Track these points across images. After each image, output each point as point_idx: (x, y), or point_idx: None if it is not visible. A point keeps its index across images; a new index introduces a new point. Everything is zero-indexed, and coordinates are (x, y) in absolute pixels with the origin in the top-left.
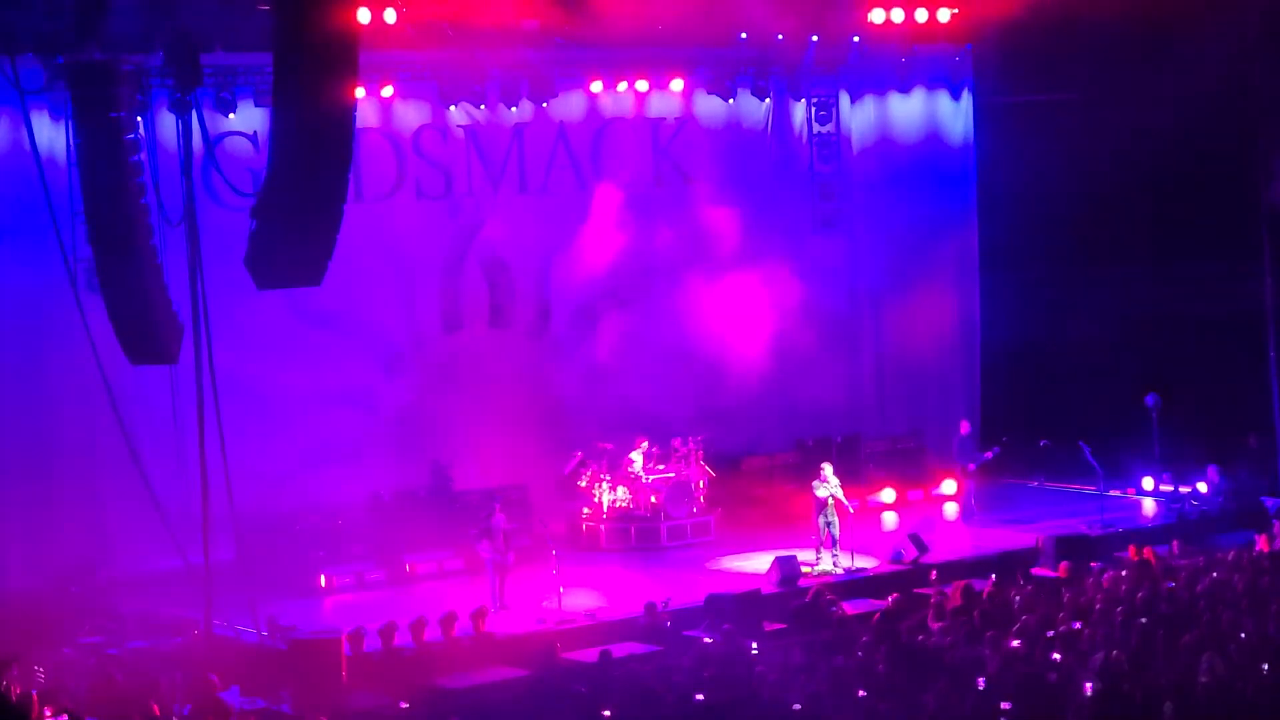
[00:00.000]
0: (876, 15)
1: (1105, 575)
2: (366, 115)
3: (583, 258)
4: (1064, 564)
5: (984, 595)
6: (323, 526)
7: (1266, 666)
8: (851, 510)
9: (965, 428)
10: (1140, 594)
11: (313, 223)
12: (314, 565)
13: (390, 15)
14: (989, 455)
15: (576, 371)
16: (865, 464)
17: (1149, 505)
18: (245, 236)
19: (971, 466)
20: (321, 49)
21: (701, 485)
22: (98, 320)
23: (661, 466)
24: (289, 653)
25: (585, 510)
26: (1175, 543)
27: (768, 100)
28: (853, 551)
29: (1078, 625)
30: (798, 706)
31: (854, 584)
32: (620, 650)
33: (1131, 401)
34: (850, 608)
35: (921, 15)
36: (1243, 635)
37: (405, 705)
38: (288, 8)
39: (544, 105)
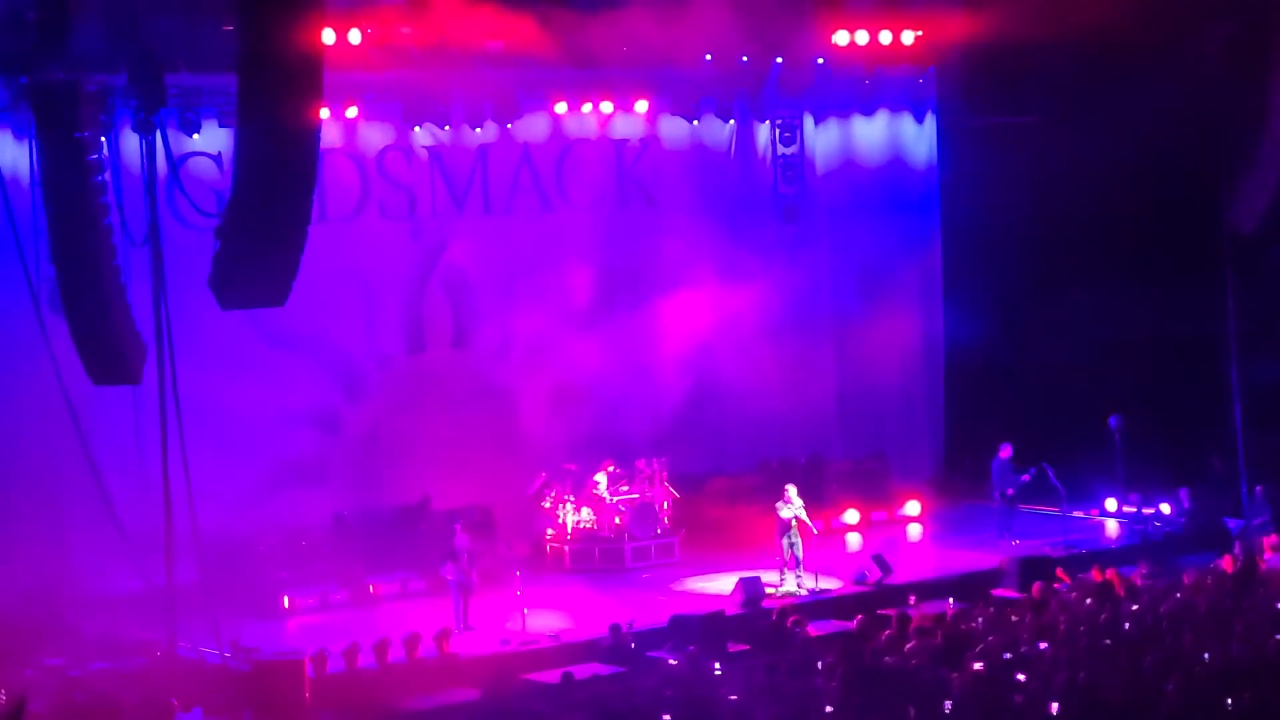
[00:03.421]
0: (840, 37)
1: (1069, 596)
2: (330, 136)
3: (546, 279)
4: (1036, 585)
5: (948, 617)
6: (286, 547)
7: (1229, 688)
8: (815, 531)
9: (1006, 451)
10: (1103, 615)
11: (277, 243)
12: (277, 586)
13: (355, 36)
14: (1025, 478)
15: (540, 393)
16: (829, 485)
17: (1112, 526)
18: (209, 257)
19: (1010, 491)
20: (286, 70)
21: (666, 506)
22: (60, 340)
23: (625, 488)
24: (252, 674)
25: (549, 531)
26: (1142, 565)
27: (732, 122)
28: (817, 573)
29: (1043, 646)
30: None
31: (818, 605)
32: (584, 671)
33: (1095, 423)
34: (814, 629)
35: (885, 38)
36: (1206, 656)
37: None
38: (252, 28)
39: (508, 126)
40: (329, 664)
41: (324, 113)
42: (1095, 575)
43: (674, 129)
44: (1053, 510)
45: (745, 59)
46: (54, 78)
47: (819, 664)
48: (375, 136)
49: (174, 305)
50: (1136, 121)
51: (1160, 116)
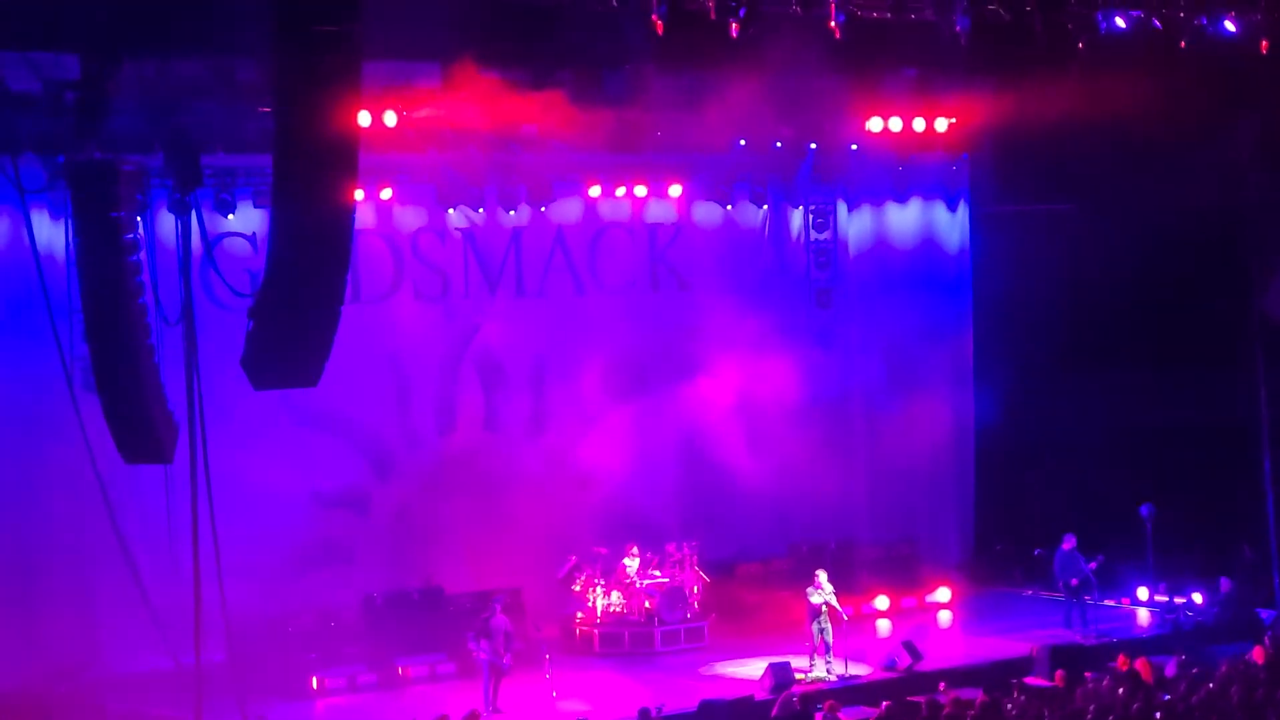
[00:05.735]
0: (874, 124)
1: (1099, 685)
2: (365, 217)
3: (578, 362)
4: (1059, 673)
5: (977, 704)
6: (315, 628)
7: None
8: (846, 617)
9: (1069, 542)
10: (1135, 705)
11: (310, 324)
12: (306, 667)
13: (390, 118)
14: (1093, 566)
15: (571, 475)
16: (859, 570)
17: (1143, 615)
18: (242, 336)
19: (1074, 581)
20: (321, 151)
21: (696, 590)
22: (93, 418)
23: (656, 571)
24: None
25: (579, 615)
26: (1178, 657)
27: (765, 207)
28: (846, 658)
29: None
30: None
31: (848, 691)
32: None
33: (1126, 510)
34: (844, 716)
35: (919, 124)
36: None
37: None
38: (289, 110)
39: (542, 209)
40: None
41: (359, 194)
42: (1121, 664)
43: (707, 213)
44: (1086, 599)
45: (779, 144)
46: (91, 157)
47: None
48: (409, 218)
49: (206, 384)
50: (1168, 209)
51: (1192, 204)
